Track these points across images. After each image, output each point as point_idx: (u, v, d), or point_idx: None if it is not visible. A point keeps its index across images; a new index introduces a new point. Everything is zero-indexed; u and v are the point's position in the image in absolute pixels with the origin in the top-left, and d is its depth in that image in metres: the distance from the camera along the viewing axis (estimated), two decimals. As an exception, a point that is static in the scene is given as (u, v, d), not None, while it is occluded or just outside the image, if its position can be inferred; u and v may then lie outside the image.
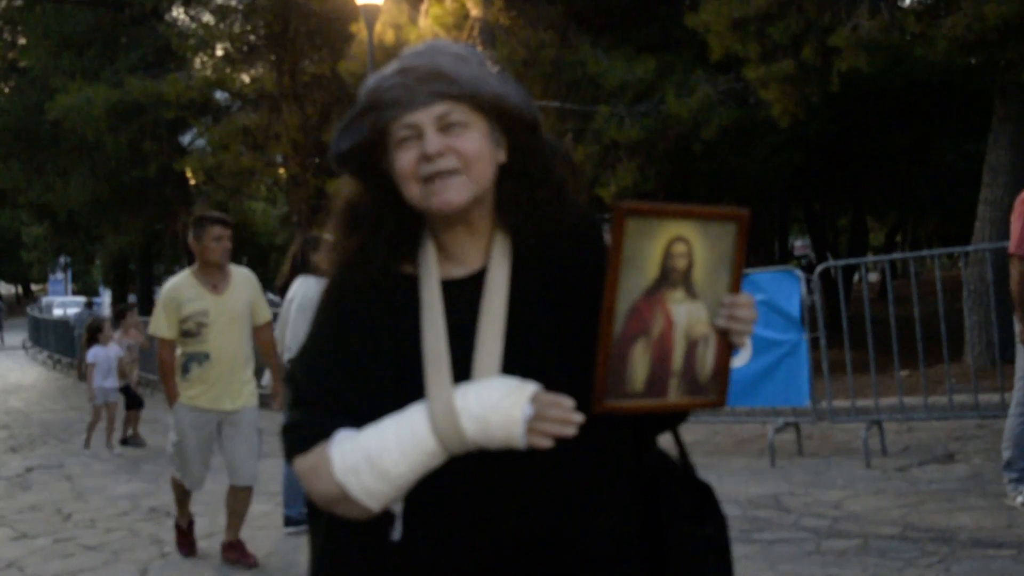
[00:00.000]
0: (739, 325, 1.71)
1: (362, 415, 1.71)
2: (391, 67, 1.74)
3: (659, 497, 1.83)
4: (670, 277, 1.67)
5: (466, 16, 15.37)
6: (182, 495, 6.37)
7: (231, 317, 6.08)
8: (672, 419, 1.87)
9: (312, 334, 1.84)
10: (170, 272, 39.81)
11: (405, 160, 1.71)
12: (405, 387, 1.71)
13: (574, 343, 1.72)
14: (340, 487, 1.67)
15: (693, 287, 1.69)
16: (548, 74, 14.83)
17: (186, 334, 5.99)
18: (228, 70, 22.70)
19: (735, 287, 1.72)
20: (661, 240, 1.65)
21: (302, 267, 6.56)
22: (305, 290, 6.36)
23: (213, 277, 6.08)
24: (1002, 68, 11.16)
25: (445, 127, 1.70)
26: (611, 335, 1.63)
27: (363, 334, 1.76)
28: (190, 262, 6.47)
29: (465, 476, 1.69)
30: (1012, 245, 5.77)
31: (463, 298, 1.76)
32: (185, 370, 6.03)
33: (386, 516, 1.71)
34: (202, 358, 6.00)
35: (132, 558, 6.44)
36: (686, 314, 1.69)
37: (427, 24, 15.56)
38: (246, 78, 22.84)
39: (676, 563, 1.78)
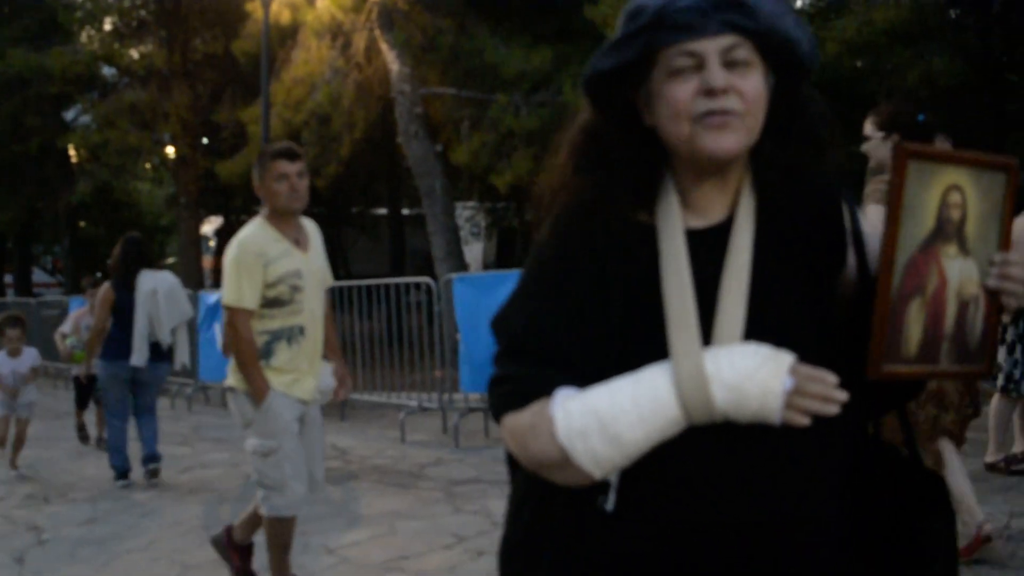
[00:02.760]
0: (1011, 285, 1.56)
1: (585, 373, 1.53)
2: None
3: (887, 488, 1.66)
4: (945, 229, 1.54)
5: (364, 0, 15.22)
6: (285, 536, 4.63)
7: (318, 280, 4.70)
8: (907, 395, 1.75)
9: (529, 279, 1.65)
10: (49, 253, 38.65)
11: (681, 92, 1.51)
12: (636, 345, 1.54)
13: (816, 312, 1.59)
14: (562, 450, 1.50)
15: (966, 241, 1.55)
16: (446, 61, 14.79)
17: (274, 303, 4.49)
18: (116, 45, 22.00)
19: (1005, 243, 1.59)
20: (938, 188, 1.52)
21: (137, 262, 6.97)
22: (162, 281, 6.18)
23: (292, 229, 4.62)
24: (888, 71, 11.46)
25: (728, 63, 1.50)
26: (891, 291, 1.50)
27: (591, 284, 1.57)
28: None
29: (691, 448, 1.52)
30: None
31: (704, 250, 1.58)
32: (268, 353, 4.51)
33: (599, 484, 1.55)
34: (295, 334, 4.56)
35: (7, 546, 6.21)
36: (959, 271, 1.55)
37: (324, 5, 15.37)
38: (135, 54, 22.19)
39: (904, 559, 1.63)
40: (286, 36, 16.72)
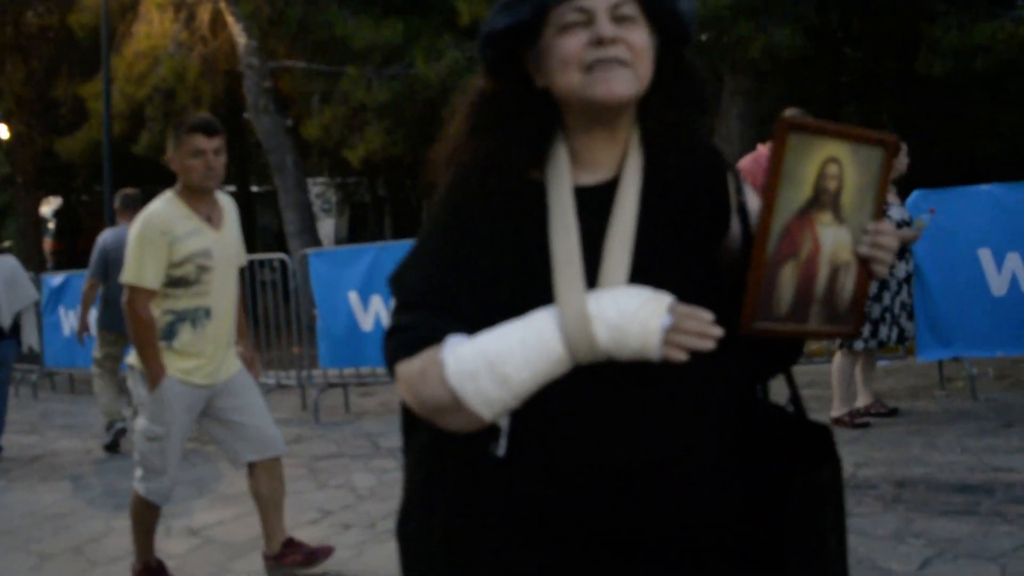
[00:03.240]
0: (881, 253, 1.65)
1: (476, 321, 1.59)
2: None
3: (775, 439, 1.75)
4: (821, 198, 1.62)
5: (208, -30, 14.83)
6: (151, 520, 4.64)
7: (230, 260, 4.51)
8: (787, 359, 1.82)
9: (425, 235, 1.70)
10: None
11: (571, 44, 1.60)
12: (526, 295, 1.60)
13: (696, 266, 1.68)
14: (452, 393, 1.54)
15: (841, 211, 1.64)
16: (294, 33, 14.54)
17: (179, 283, 4.31)
18: (-58, 17, 20.94)
19: (878, 214, 1.67)
20: (817, 159, 1.61)
21: None
22: (2, 266, 6.04)
23: (205, 205, 4.41)
24: (732, 45, 11.77)
25: (616, 18, 1.60)
26: (765, 253, 1.59)
27: (482, 239, 1.64)
28: None
29: (578, 392, 1.59)
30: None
31: (592, 206, 1.65)
32: (171, 334, 4.33)
33: (490, 430, 1.60)
34: (200, 316, 4.38)
35: None
36: (832, 238, 1.64)
37: (165, -23, 14.91)
38: (-38, 27, 21.14)
39: (794, 508, 1.68)
40: (126, 8, 16.19)
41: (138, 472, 4.47)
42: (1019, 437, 6.16)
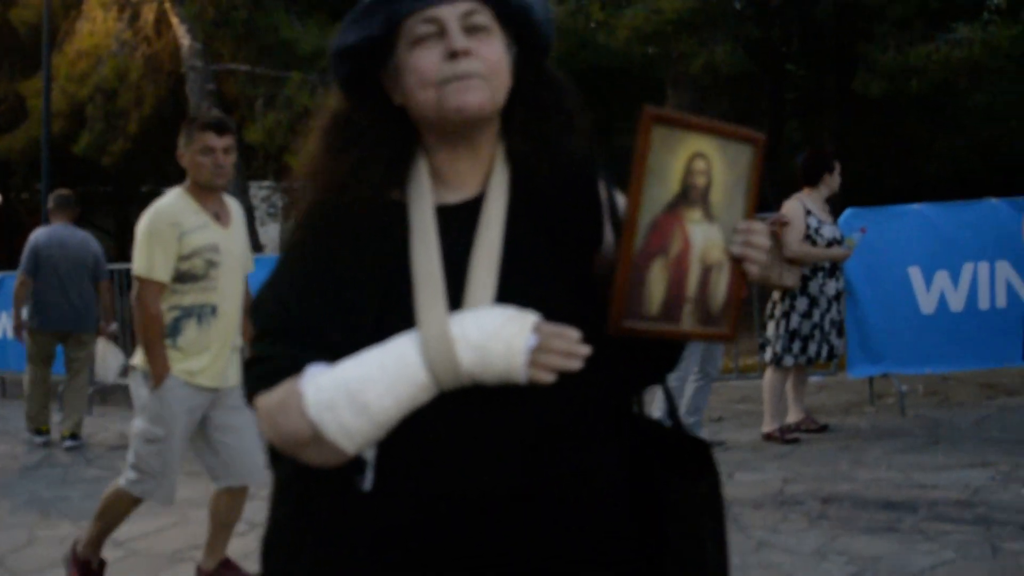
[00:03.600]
0: (754, 252, 1.60)
1: (339, 349, 1.51)
2: None
3: (652, 453, 1.70)
4: (689, 195, 1.56)
5: (153, -29, 14.69)
6: (120, 518, 4.64)
7: (238, 260, 4.49)
8: (662, 367, 1.75)
9: (284, 261, 1.63)
10: None
11: (424, 60, 1.55)
12: (389, 319, 1.53)
13: (569, 280, 1.61)
14: (312, 425, 1.46)
15: (711, 208, 1.58)
16: (239, 36, 14.43)
17: (186, 278, 4.27)
18: None
19: (750, 213, 1.62)
20: (684, 154, 1.55)
21: None
22: None
23: (213, 203, 4.41)
24: (675, 59, 11.88)
25: (468, 29, 1.55)
26: (632, 249, 1.52)
27: (343, 263, 1.57)
28: None
29: (444, 420, 1.52)
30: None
31: (456, 225, 1.60)
32: (175, 331, 4.28)
33: (355, 463, 1.52)
34: (206, 313, 4.33)
35: None
36: (703, 236, 1.58)
37: (109, -25, 14.73)
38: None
39: (672, 521, 1.66)
40: (69, 6, 15.97)
41: (131, 475, 4.38)
42: (945, 454, 6.28)
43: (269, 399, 1.52)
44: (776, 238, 6.57)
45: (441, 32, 1.55)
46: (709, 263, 1.59)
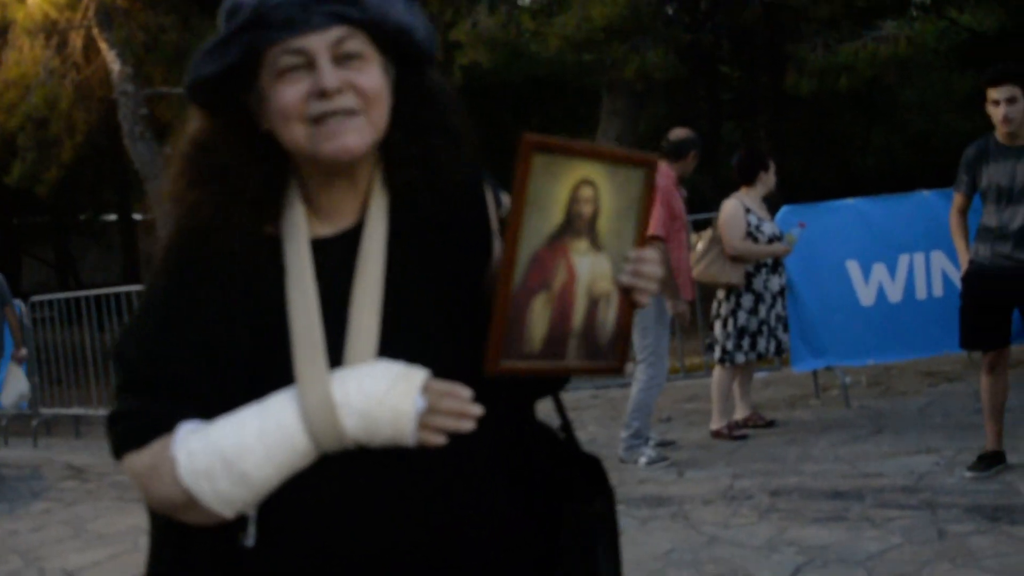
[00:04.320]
0: (644, 282, 1.51)
1: (209, 402, 1.42)
2: None
3: (545, 475, 1.64)
4: (575, 224, 1.47)
5: (80, -5, 14.50)
6: None
7: None
8: (553, 384, 1.69)
9: (146, 305, 1.50)
10: None
11: (290, 96, 1.41)
12: (264, 369, 1.44)
13: (455, 313, 1.52)
14: (187, 493, 1.38)
15: (598, 238, 1.50)
16: (170, 59, 14.27)
17: None
18: None
19: (640, 240, 1.54)
20: (568, 181, 1.45)
21: None
22: None
23: None
24: (609, 66, 11.97)
25: (340, 57, 1.41)
26: (511, 286, 1.42)
27: (211, 305, 1.45)
28: None
29: (327, 475, 1.44)
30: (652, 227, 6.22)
31: (332, 260, 1.48)
32: None
33: (237, 520, 1.44)
34: None
35: None
36: (589, 267, 1.49)
37: (36, 2, 14.51)
38: None
39: (568, 543, 1.60)
40: (-2, 33, 15.71)
41: None
42: (889, 443, 6.38)
43: (139, 461, 1.42)
44: (721, 238, 6.69)
45: (310, 64, 1.41)
46: (596, 295, 1.52)
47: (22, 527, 6.53)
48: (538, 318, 1.47)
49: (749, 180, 6.96)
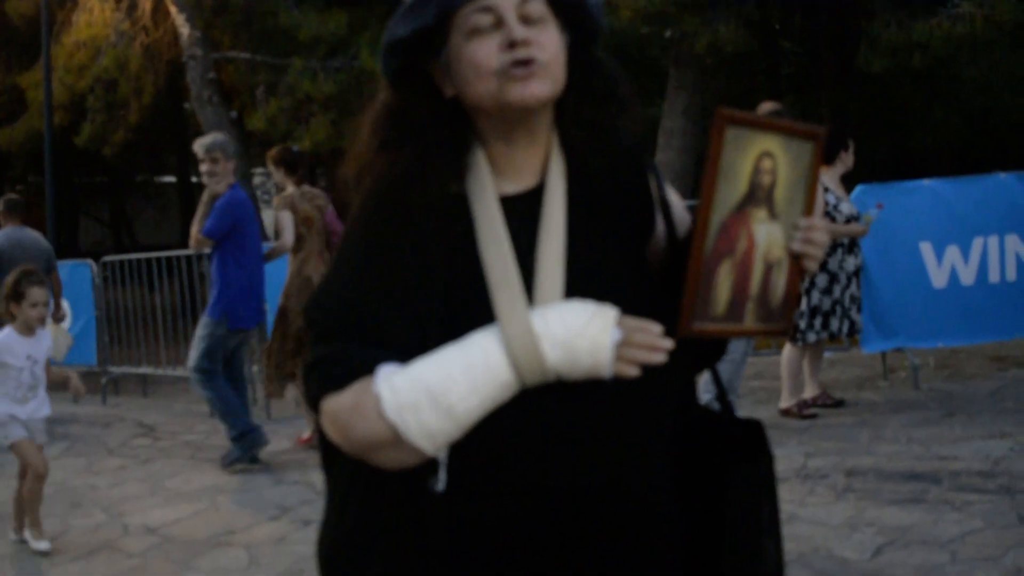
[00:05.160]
0: (813, 249, 1.60)
1: (407, 348, 1.47)
2: None
3: (708, 438, 1.70)
4: (756, 194, 1.57)
5: (150, -41, 14.64)
6: None
7: None
8: (712, 356, 1.78)
9: (342, 259, 1.59)
10: None
11: (482, 50, 1.52)
12: (459, 315, 1.51)
13: (629, 271, 1.61)
14: (391, 428, 1.42)
15: (774, 206, 1.59)
16: (238, 23, 14.37)
17: None
18: None
19: (809, 209, 1.63)
20: (752, 153, 1.55)
21: None
22: None
23: None
24: (677, 39, 11.89)
25: (524, 18, 1.53)
26: (703, 252, 1.52)
27: (408, 259, 1.52)
28: None
29: (518, 416, 1.49)
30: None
31: (518, 216, 1.58)
32: None
33: (427, 464, 1.49)
34: None
35: None
36: (766, 235, 1.59)
37: (107, -34, 14.69)
38: None
39: (732, 503, 1.65)
40: (66, -4, 15.93)
41: None
42: (961, 426, 6.36)
43: (339, 402, 1.47)
44: None
45: (498, 23, 1.52)
46: (771, 261, 1.61)
47: (101, 482, 6.69)
48: (723, 283, 1.56)
49: (829, 159, 6.91)
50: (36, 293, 5.29)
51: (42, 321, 5.37)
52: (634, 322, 1.47)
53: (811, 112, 18.90)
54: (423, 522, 1.53)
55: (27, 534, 5.30)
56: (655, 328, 1.46)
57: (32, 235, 9.00)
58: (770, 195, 1.59)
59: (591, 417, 1.52)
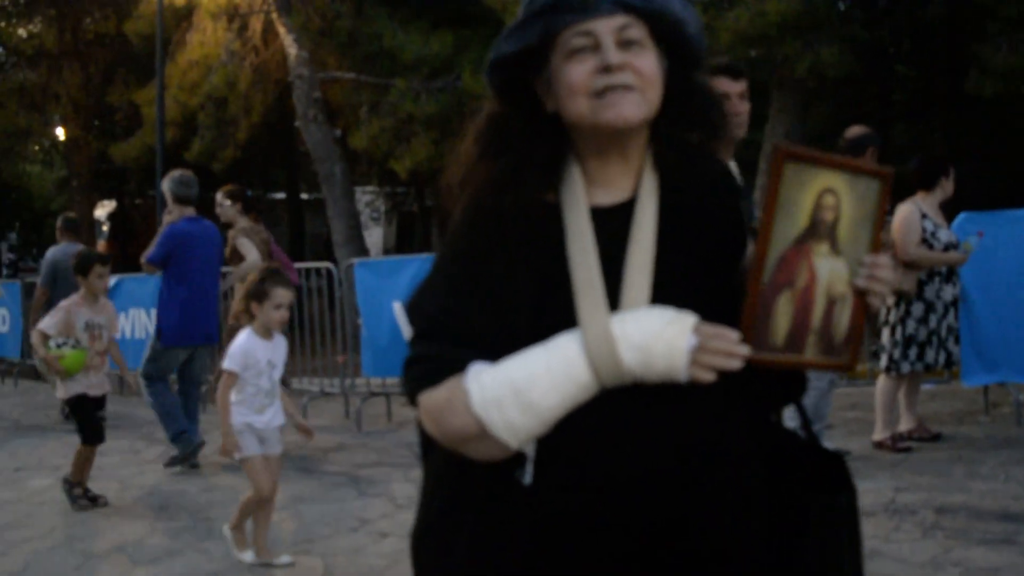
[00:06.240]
0: (878, 286, 1.65)
1: (497, 349, 1.59)
2: None
3: (792, 465, 1.74)
4: (818, 229, 1.62)
5: (261, -19, 15.03)
6: None
7: None
8: (797, 389, 1.82)
9: (442, 263, 1.70)
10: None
11: (578, 71, 1.60)
12: (546, 319, 1.60)
13: (715, 288, 1.66)
14: (479, 422, 1.54)
15: (837, 242, 1.64)
16: (344, 45, 14.67)
17: None
18: (3, 24, 21.34)
19: (875, 246, 1.68)
20: (813, 189, 1.60)
21: None
22: None
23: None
24: (779, 62, 11.74)
25: (623, 43, 1.61)
26: (760, 282, 1.58)
27: (500, 263, 1.63)
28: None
29: (603, 415, 1.58)
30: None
31: (609, 227, 1.65)
32: None
33: (515, 458, 1.59)
34: None
35: None
36: (828, 270, 1.64)
37: (220, -13, 15.12)
38: (23, 33, 21.51)
39: (814, 533, 1.70)
40: (181, 17, 16.41)
41: None
42: (1063, 465, 6.10)
43: (434, 397, 1.59)
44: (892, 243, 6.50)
45: (596, 46, 1.60)
46: (834, 296, 1.65)
47: (191, 487, 6.82)
48: (782, 314, 1.61)
49: (928, 185, 6.73)
50: (281, 294, 4.99)
51: (283, 324, 5.09)
52: (711, 329, 1.54)
53: (924, 138, 18.46)
54: (509, 512, 1.62)
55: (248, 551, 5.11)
56: (732, 335, 1.53)
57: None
58: (833, 231, 1.63)
59: (670, 419, 1.60)
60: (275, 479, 5.10)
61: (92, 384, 6.45)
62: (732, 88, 3.87)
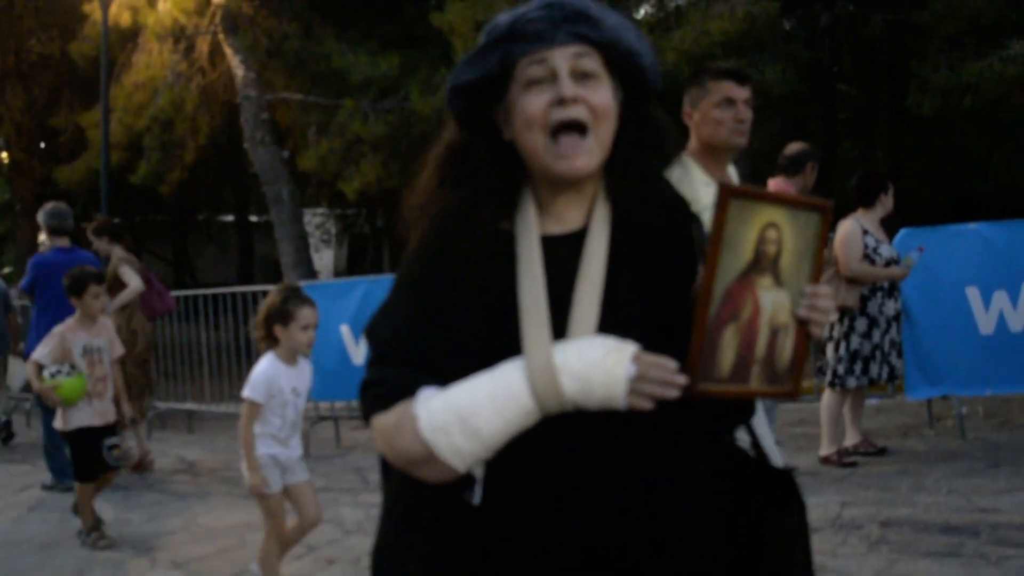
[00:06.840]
0: (818, 315, 1.70)
1: (448, 373, 1.64)
2: (536, 1, 1.67)
3: (745, 485, 1.77)
4: (761, 263, 1.66)
5: (208, 2, 14.92)
6: None
7: None
8: (747, 411, 1.84)
9: (397, 288, 1.75)
10: None
11: (534, 104, 1.65)
12: (496, 345, 1.64)
13: (665, 317, 1.68)
14: (426, 446, 1.60)
15: (780, 274, 1.69)
16: (292, 66, 14.61)
17: None
18: (-57, 46, 21.04)
19: (816, 277, 1.72)
20: (757, 224, 1.65)
21: None
22: None
23: (721, 171, 3.65)
24: (724, 81, 11.83)
25: (578, 75, 1.65)
26: (707, 317, 1.61)
27: (452, 290, 1.68)
28: None
29: (551, 440, 1.63)
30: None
31: (560, 256, 1.70)
32: None
33: (465, 479, 1.65)
34: None
35: None
36: (772, 301, 1.68)
37: (166, 8, 15.01)
38: (-37, 55, 21.23)
39: (770, 551, 1.73)
40: (126, 39, 16.22)
41: None
42: (1006, 477, 6.18)
43: (385, 420, 1.65)
44: (835, 259, 6.57)
45: (552, 76, 1.64)
46: (777, 326, 1.69)
47: (135, 517, 6.71)
48: (728, 346, 1.65)
49: (868, 202, 6.82)
50: (307, 314, 4.52)
51: (310, 348, 4.64)
52: (651, 358, 1.57)
53: (868, 155, 18.71)
54: (458, 532, 1.67)
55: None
56: (670, 365, 1.56)
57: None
58: (775, 264, 1.68)
59: (615, 446, 1.63)
60: (316, 501, 4.81)
61: (96, 412, 5.99)
62: (738, 93, 3.67)
